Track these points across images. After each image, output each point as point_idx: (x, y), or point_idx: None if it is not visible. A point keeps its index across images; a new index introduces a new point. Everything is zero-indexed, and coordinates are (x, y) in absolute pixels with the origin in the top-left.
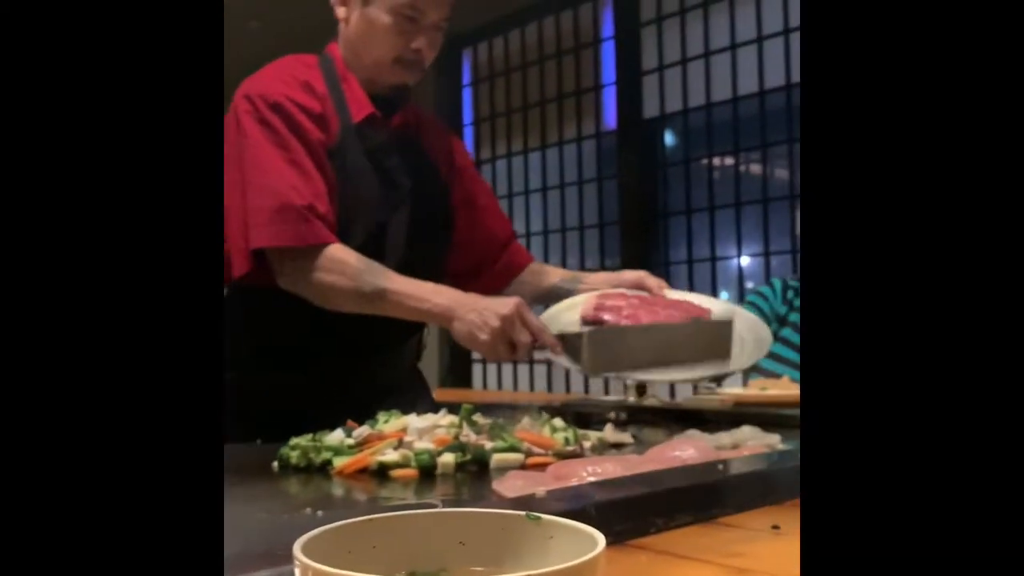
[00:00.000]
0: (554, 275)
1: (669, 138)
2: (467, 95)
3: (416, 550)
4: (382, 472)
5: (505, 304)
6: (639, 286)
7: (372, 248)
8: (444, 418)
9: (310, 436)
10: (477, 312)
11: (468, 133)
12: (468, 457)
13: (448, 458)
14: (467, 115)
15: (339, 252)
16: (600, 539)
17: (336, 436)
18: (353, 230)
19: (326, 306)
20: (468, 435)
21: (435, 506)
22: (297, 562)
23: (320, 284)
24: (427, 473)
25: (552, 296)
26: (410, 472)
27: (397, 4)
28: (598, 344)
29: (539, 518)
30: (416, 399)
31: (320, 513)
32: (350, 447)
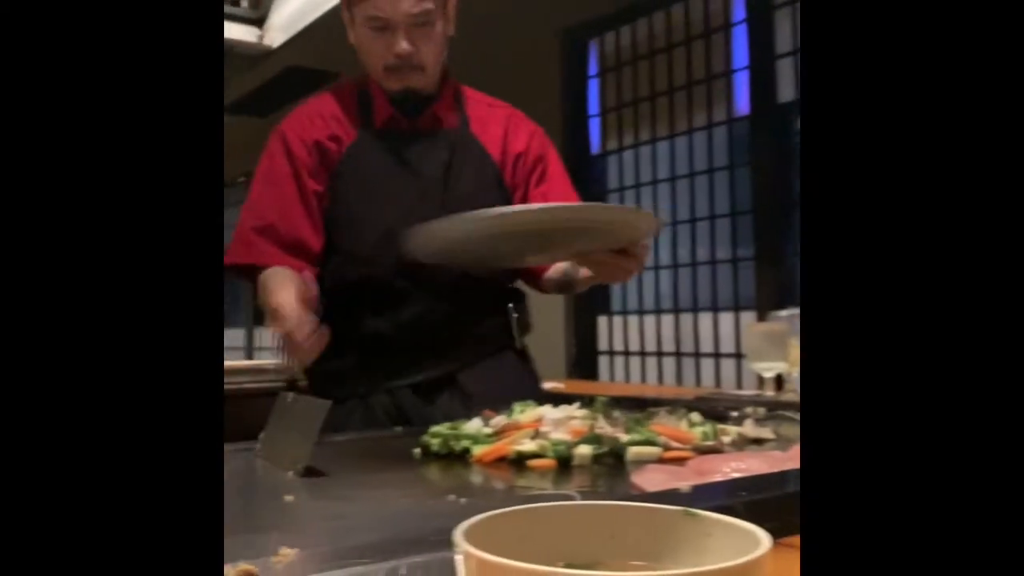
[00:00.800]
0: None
1: None
2: (594, 85)
3: (569, 542)
4: (520, 461)
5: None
6: None
7: (397, 237)
8: (579, 410)
9: (449, 424)
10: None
11: (595, 124)
12: (604, 449)
13: (584, 449)
14: (594, 106)
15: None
16: (764, 537)
17: (474, 424)
18: (372, 226)
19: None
20: (603, 427)
21: (572, 497)
22: (459, 549)
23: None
24: (564, 464)
25: (564, 284)
26: (547, 462)
27: (364, 18)
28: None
29: (696, 514)
30: (517, 380)
31: (463, 500)
32: (488, 436)
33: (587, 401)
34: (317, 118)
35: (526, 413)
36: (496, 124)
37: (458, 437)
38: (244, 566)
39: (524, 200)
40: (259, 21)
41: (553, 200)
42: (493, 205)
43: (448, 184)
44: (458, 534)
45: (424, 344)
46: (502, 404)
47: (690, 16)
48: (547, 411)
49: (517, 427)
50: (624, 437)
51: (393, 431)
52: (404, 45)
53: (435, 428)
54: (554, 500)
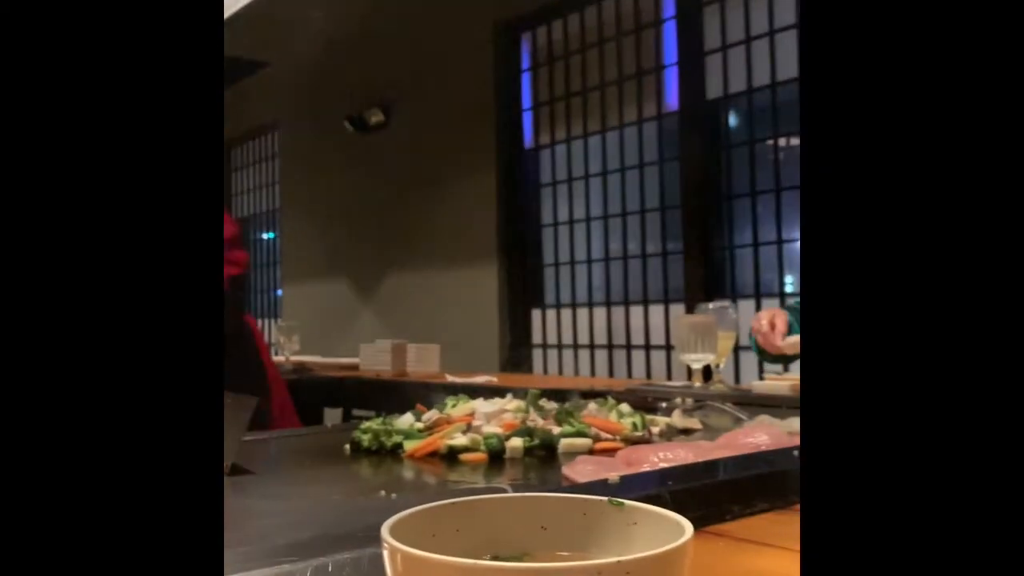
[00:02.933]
0: None
1: (733, 119)
2: (526, 80)
3: (498, 534)
4: (452, 455)
5: None
6: None
7: None
8: (511, 402)
9: (381, 419)
10: None
11: (527, 118)
12: (536, 441)
13: (516, 442)
14: (526, 100)
15: None
16: (687, 526)
17: (406, 419)
18: None
19: None
20: (535, 420)
21: (504, 490)
22: (385, 544)
23: None
24: (496, 457)
25: None
26: (479, 456)
27: None
28: None
29: (622, 504)
30: None
31: (394, 496)
32: (420, 431)
33: (519, 394)
34: None
35: (458, 407)
36: None
37: (389, 432)
38: None
39: None
40: None
41: None
42: None
43: None
44: (384, 530)
45: None
46: None
47: (621, 11)
48: (479, 404)
49: (449, 421)
50: (556, 429)
51: (323, 427)
52: None
53: (366, 424)
54: (486, 493)
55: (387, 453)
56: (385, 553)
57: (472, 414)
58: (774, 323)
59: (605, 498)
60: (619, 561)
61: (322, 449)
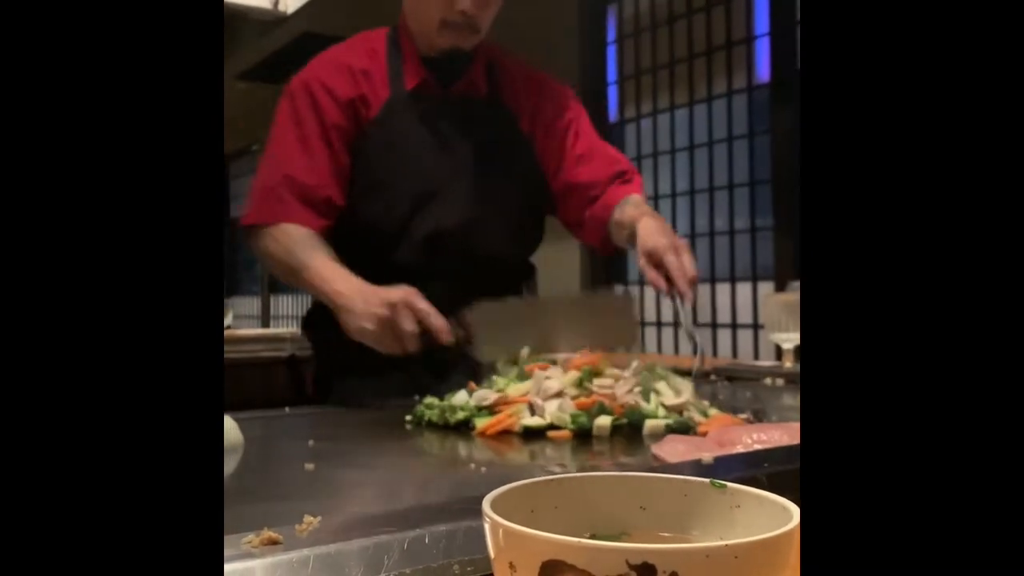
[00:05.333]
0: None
1: None
2: (612, 52)
3: (597, 512)
4: (525, 433)
5: (391, 292)
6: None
7: (423, 212)
8: (568, 376)
9: (440, 397)
10: (363, 301)
11: (612, 92)
12: (624, 421)
13: (604, 421)
14: (611, 73)
15: (288, 227)
16: (794, 510)
17: (461, 397)
18: (398, 196)
19: (272, 274)
20: (605, 390)
21: (597, 468)
22: (487, 519)
23: (263, 251)
24: (582, 435)
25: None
26: (564, 433)
27: None
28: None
29: (724, 485)
30: None
31: (483, 469)
32: (481, 408)
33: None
34: (347, 72)
35: (512, 387)
36: (528, 95)
37: (454, 409)
38: (268, 534)
39: (558, 172)
40: None
41: (586, 169)
42: (524, 183)
43: (480, 162)
44: (486, 504)
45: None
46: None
47: None
48: (535, 383)
49: (507, 402)
50: (645, 405)
51: (413, 400)
52: (470, 3)
53: (429, 399)
54: (574, 471)
55: (451, 429)
56: (487, 527)
57: (527, 394)
58: None
59: (706, 479)
60: (727, 545)
61: (382, 425)
